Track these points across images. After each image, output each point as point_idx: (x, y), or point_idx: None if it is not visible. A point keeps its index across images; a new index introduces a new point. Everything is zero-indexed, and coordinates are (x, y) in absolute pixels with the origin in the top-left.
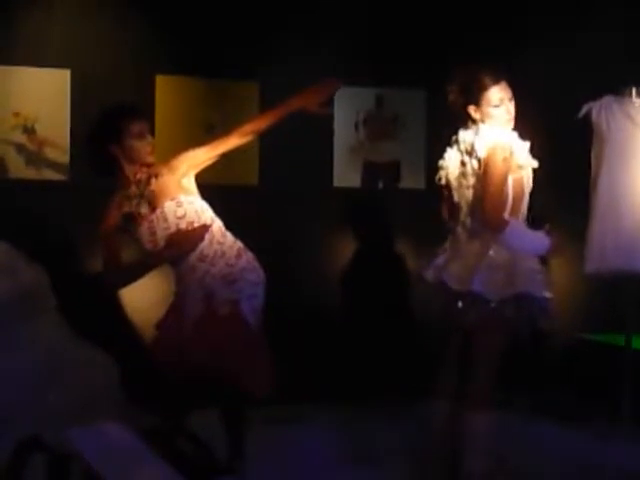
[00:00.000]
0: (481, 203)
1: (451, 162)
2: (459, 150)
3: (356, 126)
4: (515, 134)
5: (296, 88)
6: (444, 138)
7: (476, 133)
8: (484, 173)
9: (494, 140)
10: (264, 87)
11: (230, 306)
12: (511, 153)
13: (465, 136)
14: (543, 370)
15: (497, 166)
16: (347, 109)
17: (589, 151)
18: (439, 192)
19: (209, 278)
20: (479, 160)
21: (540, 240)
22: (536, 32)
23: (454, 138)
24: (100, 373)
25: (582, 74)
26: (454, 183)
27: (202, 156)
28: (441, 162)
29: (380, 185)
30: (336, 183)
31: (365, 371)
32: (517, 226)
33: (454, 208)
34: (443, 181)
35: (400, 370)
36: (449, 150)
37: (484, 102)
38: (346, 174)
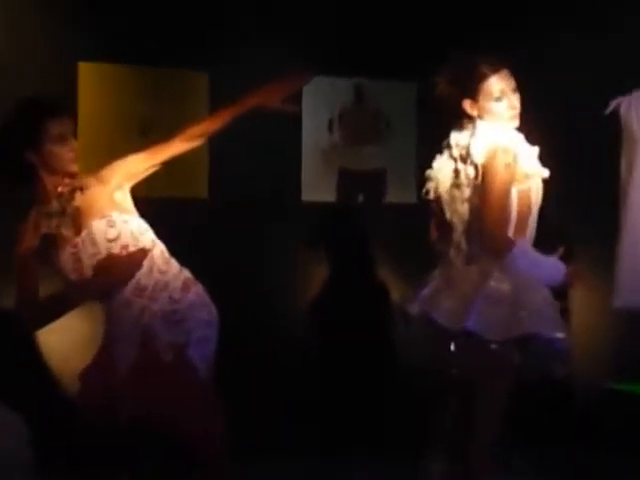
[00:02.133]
0: (479, 220)
1: (442, 171)
2: (451, 156)
3: (330, 125)
4: (521, 136)
5: (255, 80)
6: (439, 140)
7: (472, 134)
8: (482, 183)
9: (494, 142)
10: (215, 78)
11: (174, 352)
12: (515, 158)
13: (459, 138)
14: (559, 428)
15: (498, 174)
16: (318, 104)
17: (617, 155)
18: (428, 208)
19: (148, 316)
20: (476, 167)
21: (553, 266)
22: (549, 9)
23: (445, 142)
24: (6, 435)
25: (608, 63)
26: (445, 196)
27: (139, 164)
28: (429, 172)
29: (360, 199)
30: (305, 196)
31: (340, 422)
32: (525, 249)
33: (446, 227)
34: (432, 194)
35: (380, 424)
36: (439, 157)
37: (482, 95)
38: (317, 185)
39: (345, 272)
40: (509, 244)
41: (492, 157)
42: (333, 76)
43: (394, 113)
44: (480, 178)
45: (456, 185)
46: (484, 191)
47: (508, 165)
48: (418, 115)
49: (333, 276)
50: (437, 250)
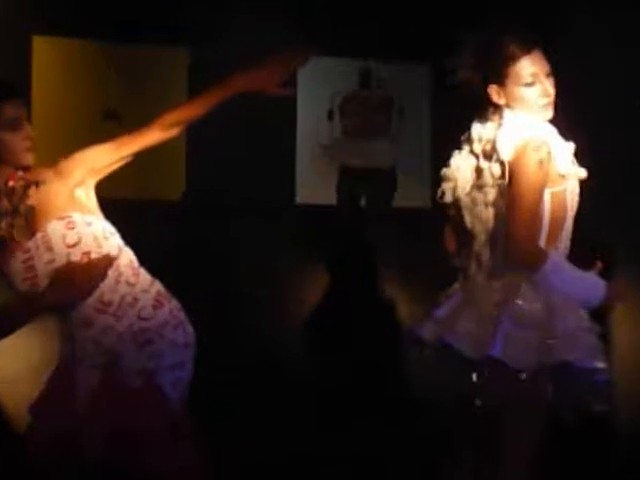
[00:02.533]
0: (506, 228)
1: (461, 170)
2: (473, 152)
3: (330, 115)
4: (554, 129)
5: (244, 58)
6: (458, 134)
7: (498, 126)
8: (510, 184)
9: (525, 135)
10: (196, 55)
11: (143, 379)
12: (549, 155)
13: (482, 131)
14: (599, 472)
15: (530, 173)
16: (316, 90)
17: None
18: (444, 214)
19: (113, 337)
20: (503, 165)
21: (591, 284)
22: None
23: (466, 135)
24: None
25: None
26: (465, 200)
27: (106, 156)
28: (446, 170)
29: (364, 202)
30: (300, 199)
31: (339, 467)
32: (558, 263)
33: (465, 236)
34: (449, 197)
35: (386, 468)
36: (458, 153)
37: (511, 79)
38: (314, 186)
39: (346, 288)
40: (541, 257)
41: (522, 153)
42: (334, 57)
43: (406, 101)
44: (507, 178)
45: (478, 186)
46: (512, 193)
47: (541, 163)
48: (434, 103)
49: (332, 292)
50: (454, 263)
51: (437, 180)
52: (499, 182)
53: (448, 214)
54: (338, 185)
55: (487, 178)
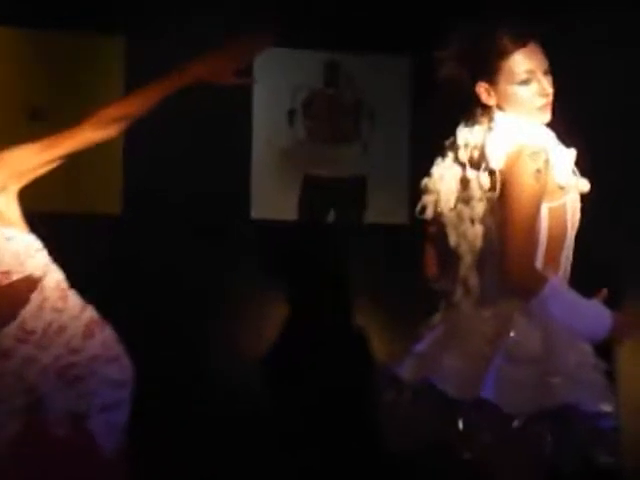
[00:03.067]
0: (497, 248)
1: (445, 180)
2: (458, 160)
3: (290, 116)
4: (552, 134)
5: (190, 48)
6: (441, 138)
7: (488, 129)
8: (502, 197)
9: (519, 140)
10: (134, 45)
11: (71, 423)
12: (547, 163)
13: (469, 136)
14: None
15: (525, 185)
16: (276, 87)
17: None
18: (425, 231)
19: (36, 370)
20: (493, 175)
21: (597, 314)
22: None
23: (450, 140)
24: None
25: None
26: (450, 216)
27: (31, 159)
28: (427, 181)
29: (331, 218)
30: (255, 213)
31: None
32: (559, 288)
33: (449, 258)
34: (430, 213)
35: None
36: (441, 161)
37: (503, 76)
38: (273, 198)
39: (310, 317)
40: (538, 281)
41: (516, 161)
42: (297, 48)
43: (380, 101)
44: (499, 190)
45: (464, 200)
46: (504, 208)
47: (538, 172)
48: (413, 103)
49: (293, 322)
50: (437, 289)
51: (416, 192)
52: (489, 195)
53: (429, 232)
54: (301, 197)
55: (475, 190)
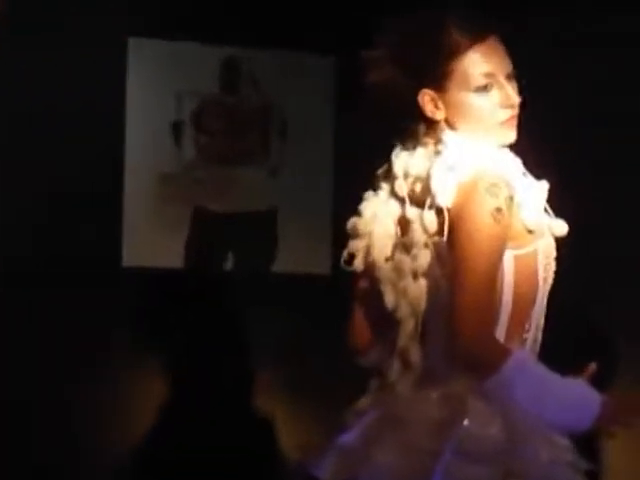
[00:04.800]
0: (448, 310)
1: (378, 221)
2: (395, 194)
3: (176, 131)
4: (518, 160)
5: None
6: (371, 166)
7: (435, 154)
8: (453, 243)
9: (474, 168)
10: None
11: None
12: (511, 199)
13: (409, 162)
14: None
15: (482, 227)
16: (155, 93)
17: None
18: (352, 286)
19: None
20: (441, 214)
21: (578, 397)
22: None
23: (384, 168)
24: None
25: None
26: (385, 267)
27: None
28: (354, 222)
29: (229, 266)
30: (128, 260)
31: None
32: (527, 364)
33: (384, 322)
34: (360, 263)
35: None
36: (372, 196)
37: (454, 82)
38: (151, 240)
39: (197, 393)
40: (499, 353)
41: (470, 197)
42: (185, 41)
43: (294, 111)
44: (447, 234)
45: (404, 246)
46: (456, 257)
47: (498, 211)
48: (337, 116)
49: (176, 400)
50: (365, 362)
51: (341, 235)
52: (435, 240)
53: (358, 288)
54: (189, 238)
55: (417, 234)
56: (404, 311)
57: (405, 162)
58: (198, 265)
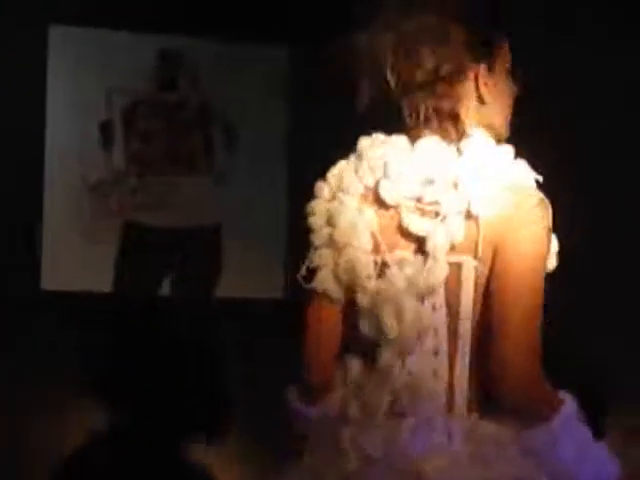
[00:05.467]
0: (484, 347)
1: (358, 232)
2: (370, 200)
3: (104, 133)
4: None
5: None
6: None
7: (457, 152)
8: (495, 264)
9: (512, 174)
10: None
11: None
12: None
13: (409, 161)
14: None
15: (539, 252)
16: (80, 89)
17: None
18: (310, 310)
19: None
20: (472, 226)
21: (604, 462)
22: None
23: (344, 169)
24: None
25: None
26: (369, 289)
27: None
28: (329, 231)
29: (166, 290)
30: (47, 283)
31: None
32: (575, 416)
33: (365, 356)
34: (325, 280)
35: None
36: (345, 202)
37: (500, 59)
38: (74, 260)
39: (127, 436)
40: (551, 403)
41: (522, 211)
42: (115, 29)
43: (243, 109)
44: (481, 249)
45: (398, 263)
46: (503, 283)
47: (550, 232)
48: (292, 113)
49: (102, 441)
50: (316, 413)
51: (296, 254)
52: (463, 259)
53: (321, 312)
54: (119, 258)
55: (430, 248)
56: (394, 338)
57: (398, 161)
58: (129, 289)
